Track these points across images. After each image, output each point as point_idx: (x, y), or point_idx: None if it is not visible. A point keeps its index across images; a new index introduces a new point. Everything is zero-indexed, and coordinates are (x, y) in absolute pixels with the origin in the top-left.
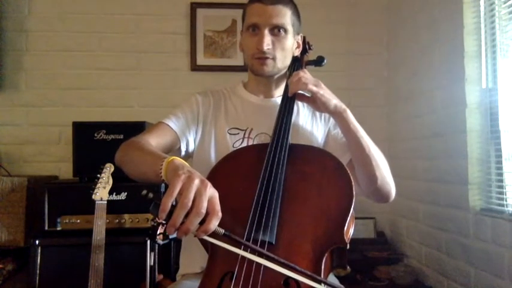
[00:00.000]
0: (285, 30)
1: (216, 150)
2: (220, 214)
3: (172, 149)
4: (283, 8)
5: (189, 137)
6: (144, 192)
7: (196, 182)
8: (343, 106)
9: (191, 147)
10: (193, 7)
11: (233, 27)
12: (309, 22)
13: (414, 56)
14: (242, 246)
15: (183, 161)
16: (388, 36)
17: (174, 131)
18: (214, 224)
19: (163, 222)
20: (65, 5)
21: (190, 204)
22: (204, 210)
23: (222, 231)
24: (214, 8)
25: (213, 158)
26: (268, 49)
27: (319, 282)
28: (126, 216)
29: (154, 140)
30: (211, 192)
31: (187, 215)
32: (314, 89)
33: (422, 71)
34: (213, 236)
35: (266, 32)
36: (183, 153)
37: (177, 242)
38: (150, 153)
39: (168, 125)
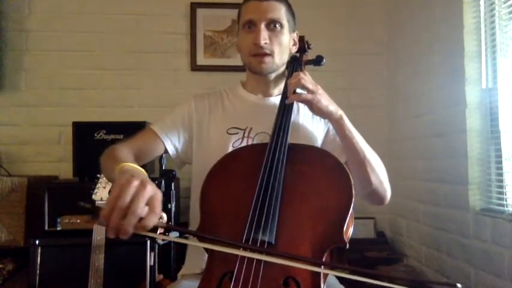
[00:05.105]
0: (281, 25)
1: (215, 150)
2: (157, 212)
3: (157, 152)
4: (277, 3)
5: (176, 140)
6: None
7: (135, 183)
8: (339, 112)
9: (182, 151)
10: (193, 7)
11: (233, 27)
12: (309, 22)
13: (414, 56)
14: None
15: (134, 166)
16: (388, 36)
17: (157, 135)
18: (151, 221)
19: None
20: (65, 5)
21: (125, 206)
22: (140, 210)
23: (164, 225)
24: (214, 8)
25: (213, 159)
26: (265, 43)
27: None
28: None
29: (135, 145)
30: (150, 191)
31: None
32: (309, 97)
33: (422, 71)
34: (155, 231)
35: (262, 27)
36: (173, 156)
37: (177, 242)
38: (115, 160)
39: (152, 130)
